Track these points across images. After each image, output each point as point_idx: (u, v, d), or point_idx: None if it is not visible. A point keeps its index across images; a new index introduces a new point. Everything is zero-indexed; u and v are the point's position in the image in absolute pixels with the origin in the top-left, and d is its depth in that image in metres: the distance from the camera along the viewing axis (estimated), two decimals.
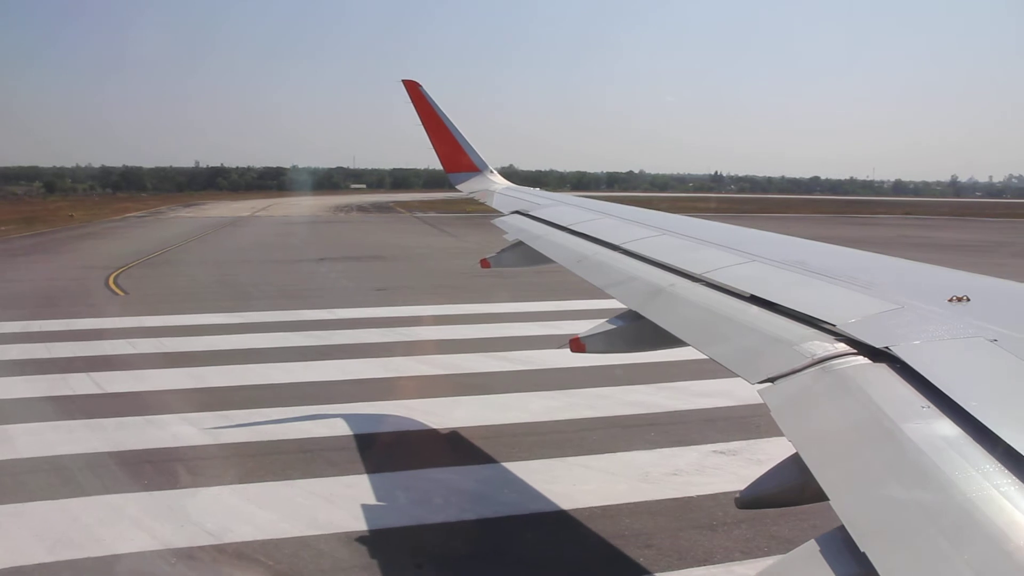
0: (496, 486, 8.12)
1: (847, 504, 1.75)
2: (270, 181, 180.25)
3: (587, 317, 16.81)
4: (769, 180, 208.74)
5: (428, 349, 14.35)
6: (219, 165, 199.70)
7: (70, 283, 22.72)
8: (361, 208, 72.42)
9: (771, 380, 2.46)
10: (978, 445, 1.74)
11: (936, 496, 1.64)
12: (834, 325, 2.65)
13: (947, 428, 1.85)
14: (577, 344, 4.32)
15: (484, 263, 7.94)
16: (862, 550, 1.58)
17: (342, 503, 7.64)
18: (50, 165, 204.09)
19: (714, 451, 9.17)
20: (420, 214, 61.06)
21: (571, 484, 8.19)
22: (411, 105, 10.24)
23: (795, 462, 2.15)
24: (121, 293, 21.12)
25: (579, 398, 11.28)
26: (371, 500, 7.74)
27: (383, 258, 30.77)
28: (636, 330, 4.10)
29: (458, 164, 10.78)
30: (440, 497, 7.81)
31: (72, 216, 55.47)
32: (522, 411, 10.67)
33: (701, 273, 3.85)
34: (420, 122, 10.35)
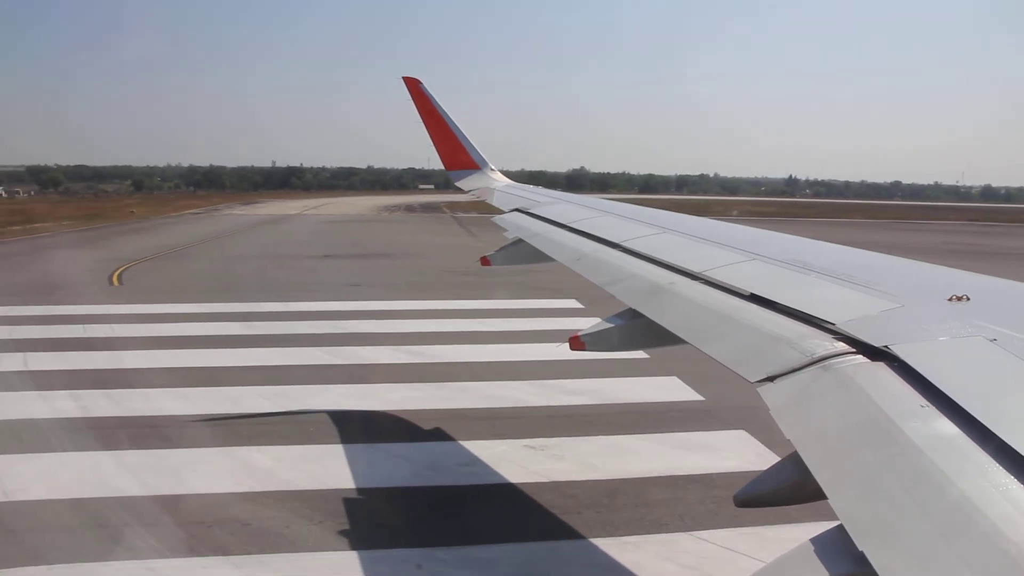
0: (286, 465, 8.67)
1: (845, 503, 1.77)
2: (342, 181, 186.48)
3: (531, 315, 17.50)
4: (847, 184, 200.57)
5: (343, 341, 15.00)
6: (298, 165, 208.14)
7: (79, 274, 24.51)
8: (408, 208, 74.18)
9: (770, 379, 2.48)
10: (976, 444, 1.75)
11: (934, 495, 1.66)
12: (834, 324, 2.67)
13: (946, 427, 1.86)
14: (577, 343, 4.33)
15: (484, 261, 7.97)
16: (860, 549, 1.59)
17: (142, 472, 8.37)
18: (143, 164, 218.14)
19: (525, 445, 9.41)
20: (461, 214, 61.99)
21: (358, 467, 8.64)
22: (412, 102, 10.36)
23: (793, 461, 2.17)
24: (116, 284, 22.72)
25: (445, 391, 11.69)
26: (168, 470, 8.44)
27: (387, 255, 31.75)
28: (635, 328, 4.09)
29: (458, 162, 10.99)
30: (227, 473, 8.42)
31: (133, 212, 59.30)
32: (377, 400, 11.17)
33: (701, 271, 3.87)
34: (421, 120, 10.50)
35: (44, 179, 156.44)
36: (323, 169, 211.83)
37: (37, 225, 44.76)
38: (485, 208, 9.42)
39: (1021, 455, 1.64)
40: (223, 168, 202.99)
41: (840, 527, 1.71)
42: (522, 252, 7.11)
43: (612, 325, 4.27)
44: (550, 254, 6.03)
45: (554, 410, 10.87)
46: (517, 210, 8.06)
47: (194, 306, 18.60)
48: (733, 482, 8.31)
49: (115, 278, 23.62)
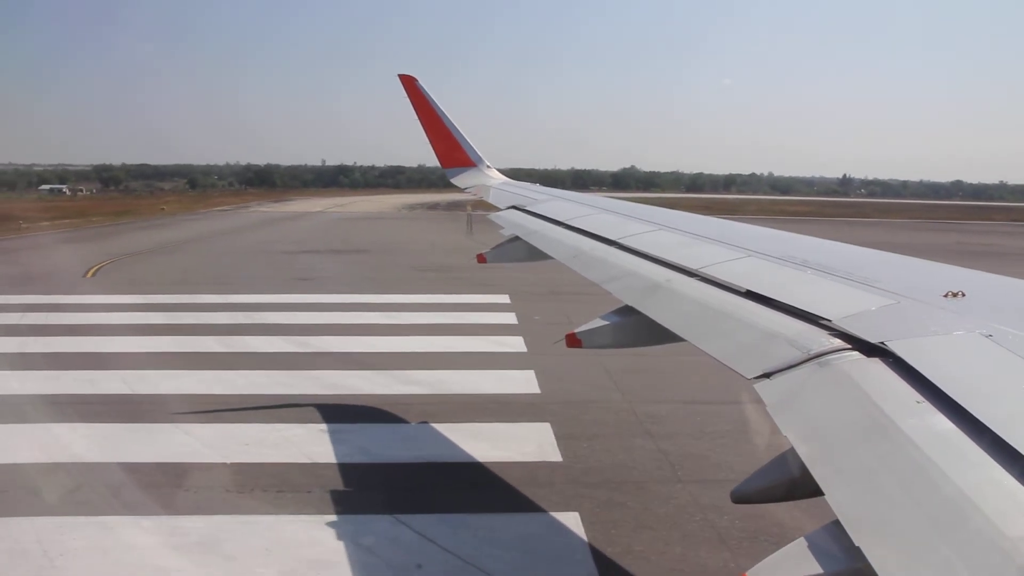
0: (90, 441, 9.33)
1: (841, 499, 1.78)
2: (389, 179, 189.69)
3: (452, 309, 17.93)
4: (904, 184, 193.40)
5: (242, 331, 15.67)
6: (351, 163, 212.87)
7: (64, 267, 25.94)
8: (432, 206, 75.07)
9: (767, 375, 2.50)
10: (972, 440, 1.76)
11: (931, 491, 1.66)
12: (830, 320, 2.69)
13: (942, 423, 1.87)
14: (573, 340, 4.31)
15: (480, 258, 7.95)
16: (856, 544, 1.60)
17: None
18: (203, 163, 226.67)
19: (320, 430, 9.82)
20: (480, 213, 62.62)
21: (150, 444, 9.22)
22: (408, 100, 10.34)
23: (790, 457, 2.19)
24: (90, 277, 24.00)
25: (293, 378, 12.18)
26: None
27: (367, 251, 32.54)
28: (631, 325, 4.10)
29: (454, 159, 10.92)
30: (27, 447, 9.11)
31: (163, 209, 61.97)
32: (223, 384, 11.75)
33: (697, 268, 3.90)
34: (416, 117, 10.50)
35: (106, 177, 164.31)
36: (372, 168, 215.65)
37: (65, 221, 47.35)
38: None
39: (1017, 451, 1.64)
40: (277, 167, 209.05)
41: (835, 523, 1.73)
42: (518, 249, 7.15)
43: (608, 322, 4.28)
44: (546, 251, 6.08)
45: (381, 398, 11.23)
46: (513, 207, 8.15)
47: (136, 297, 19.60)
48: (483, 471, 8.62)
49: (92, 272, 24.94)
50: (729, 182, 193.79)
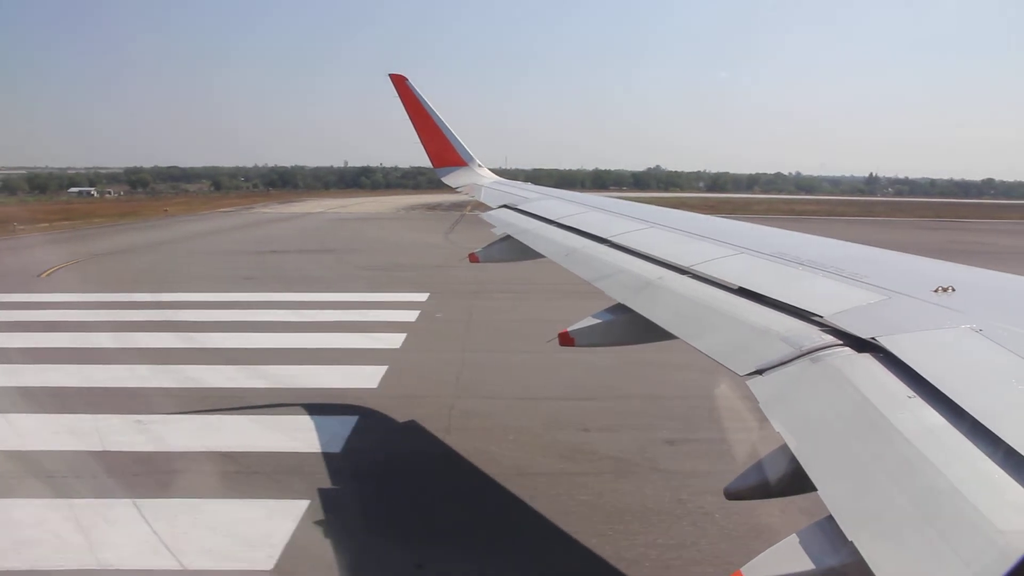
0: None
1: (834, 493, 1.79)
2: (409, 180, 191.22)
3: (366, 307, 18.45)
4: (932, 183, 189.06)
5: (141, 327, 16.35)
6: (372, 165, 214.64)
7: (26, 266, 26.95)
8: (431, 207, 75.58)
9: (759, 372, 2.51)
10: (963, 434, 1.77)
11: (922, 484, 1.67)
12: (822, 317, 2.71)
13: (933, 417, 1.88)
14: (565, 338, 4.32)
15: (472, 258, 8.01)
16: (850, 539, 1.62)
17: None
18: (232, 165, 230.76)
19: (135, 420, 10.28)
20: (477, 213, 62.93)
21: None
22: (399, 99, 10.50)
23: (783, 453, 2.19)
24: (44, 277, 24.87)
25: (152, 372, 12.72)
26: None
27: (333, 251, 33.11)
28: (624, 323, 4.10)
29: (445, 159, 11.04)
30: None
31: (167, 211, 63.51)
32: (82, 378, 12.33)
33: (689, 266, 3.93)
34: (407, 117, 10.59)
35: (134, 180, 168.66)
36: (395, 169, 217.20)
37: (65, 222, 48.99)
38: None
39: (1007, 444, 1.65)
40: (302, 168, 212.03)
41: (827, 519, 1.75)
42: (510, 248, 7.20)
43: (601, 320, 4.27)
44: (538, 250, 6.15)
45: (219, 391, 11.71)
46: (505, 206, 8.20)
47: (70, 296, 20.46)
48: (255, 459, 9.02)
49: (47, 272, 25.82)
50: (752, 182, 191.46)
